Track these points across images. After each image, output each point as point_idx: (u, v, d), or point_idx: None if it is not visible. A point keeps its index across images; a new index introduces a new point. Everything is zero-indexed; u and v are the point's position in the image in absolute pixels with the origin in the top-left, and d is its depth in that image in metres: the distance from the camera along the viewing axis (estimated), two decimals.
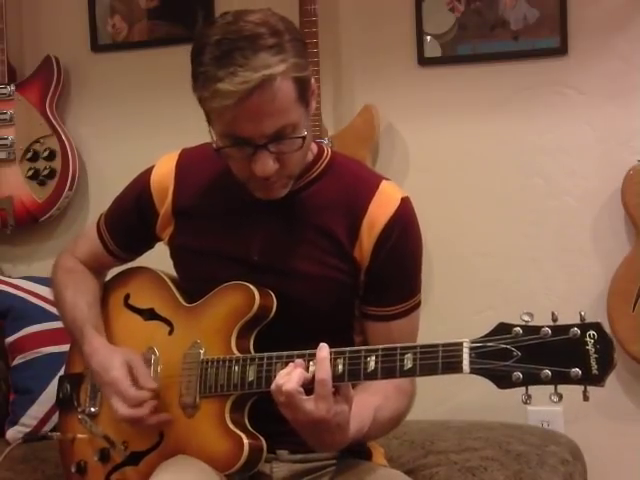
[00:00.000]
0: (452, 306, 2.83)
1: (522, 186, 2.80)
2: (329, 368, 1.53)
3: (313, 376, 1.53)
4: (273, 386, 1.55)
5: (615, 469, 2.73)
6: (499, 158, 2.82)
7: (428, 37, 2.84)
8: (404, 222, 1.78)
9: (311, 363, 1.56)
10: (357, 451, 1.83)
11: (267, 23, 1.62)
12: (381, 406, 1.70)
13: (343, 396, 1.54)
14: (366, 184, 1.80)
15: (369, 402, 1.67)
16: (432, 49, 2.84)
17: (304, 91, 1.66)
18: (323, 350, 1.55)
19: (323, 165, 1.83)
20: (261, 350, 1.72)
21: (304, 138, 1.67)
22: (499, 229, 2.82)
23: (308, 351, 1.59)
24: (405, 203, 1.79)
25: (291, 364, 1.57)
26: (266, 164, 1.64)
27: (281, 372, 1.56)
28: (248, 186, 1.75)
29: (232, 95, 1.56)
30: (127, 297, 1.98)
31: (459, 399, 2.79)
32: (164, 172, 1.92)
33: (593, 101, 2.74)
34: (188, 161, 1.92)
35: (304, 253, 1.78)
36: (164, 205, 1.90)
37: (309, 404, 1.52)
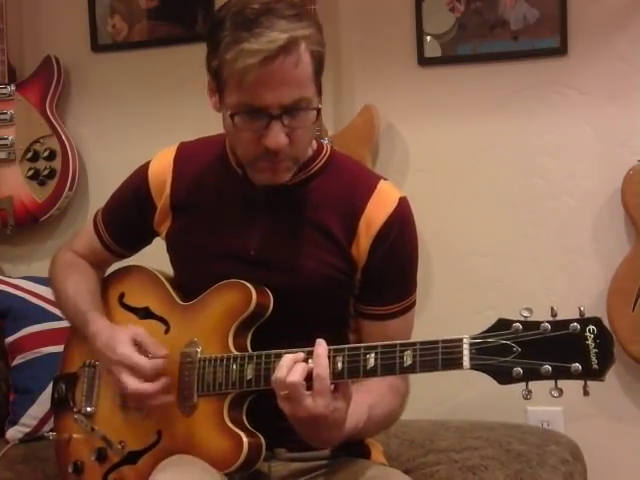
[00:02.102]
0: (452, 306, 2.82)
1: (522, 186, 2.80)
2: (327, 364, 1.53)
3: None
4: (274, 378, 1.54)
5: (615, 469, 2.73)
6: (499, 158, 2.81)
7: (428, 37, 2.84)
8: (402, 222, 1.78)
9: (310, 361, 1.56)
10: (355, 449, 1.83)
11: (283, 0, 1.64)
12: (375, 404, 1.70)
13: (342, 393, 1.54)
14: (364, 183, 1.81)
15: (363, 400, 1.67)
16: (432, 49, 2.84)
17: (320, 69, 1.68)
18: (320, 346, 1.55)
19: (322, 162, 1.83)
20: (257, 347, 1.73)
21: (319, 111, 1.67)
22: (499, 229, 2.82)
23: (307, 349, 1.59)
24: (403, 203, 1.79)
25: (287, 356, 1.56)
26: (279, 136, 1.64)
27: (280, 364, 1.55)
28: (253, 167, 1.73)
29: (258, 53, 1.56)
30: (122, 296, 1.98)
31: (459, 399, 2.78)
32: (162, 166, 1.92)
33: (593, 101, 2.73)
34: (186, 155, 1.92)
35: (301, 250, 1.78)
36: (162, 198, 1.90)
37: (308, 399, 1.52)
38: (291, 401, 1.53)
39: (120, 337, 1.79)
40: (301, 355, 1.56)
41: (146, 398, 1.75)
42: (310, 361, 1.55)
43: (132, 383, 1.74)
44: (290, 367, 1.53)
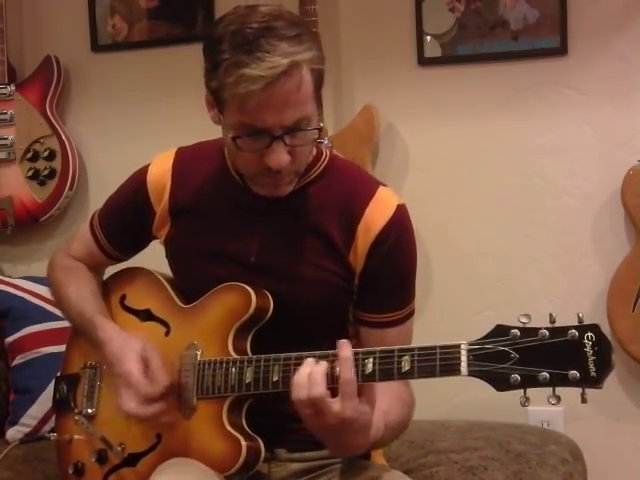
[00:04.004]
0: (452, 306, 2.83)
1: (522, 186, 2.80)
2: (353, 367, 1.51)
3: (333, 376, 1.52)
4: (295, 398, 1.51)
5: (615, 469, 2.73)
6: (499, 158, 2.81)
7: (428, 37, 2.84)
8: (400, 228, 1.77)
9: (322, 363, 1.54)
10: None
11: (283, 16, 1.62)
12: (389, 411, 1.67)
13: (366, 397, 1.53)
14: (363, 189, 1.80)
15: (378, 408, 1.62)
16: (432, 49, 2.84)
17: (320, 85, 1.67)
18: (346, 349, 1.52)
19: (322, 167, 1.82)
20: (257, 350, 1.72)
21: (320, 130, 1.67)
22: (499, 229, 2.82)
23: (306, 353, 1.59)
24: (401, 210, 1.78)
25: (300, 373, 1.53)
26: (281, 156, 1.63)
27: (297, 378, 1.52)
28: (254, 181, 1.74)
29: (260, 80, 1.55)
30: (123, 298, 1.97)
31: (459, 399, 2.79)
32: (161, 171, 1.90)
33: (593, 101, 2.73)
34: (185, 160, 1.91)
35: (300, 256, 1.77)
36: (161, 204, 1.89)
37: (336, 405, 1.50)
38: (318, 413, 1.50)
39: (129, 355, 1.78)
40: (310, 361, 1.54)
41: (140, 419, 1.77)
42: (321, 362, 1.53)
43: (128, 402, 1.75)
44: (307, 380, 1.51)
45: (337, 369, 1.52)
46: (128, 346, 1.81)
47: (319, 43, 1.67)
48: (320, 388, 1.49)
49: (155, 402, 1.74)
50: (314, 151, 1.81)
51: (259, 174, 1.70)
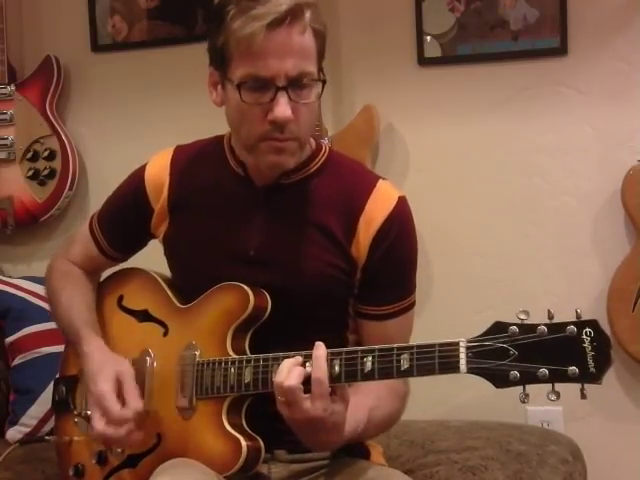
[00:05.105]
0: (452, 306, 2.82)
1: (522, 186, 2.80)
2: (325, 367, 1.53)
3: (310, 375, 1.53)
4: (274, 383, 1.55)
5: (615, 469, 2.72)
6: (499, 158, 2.81)
7: (428, 37, 2.84)
8: (401, 220, 1.78)
9: (307, 363, 1.56)
10: (355, 450, 1.83)
11: None
12: (375, 406, 1.70)
13: (339, 396, 1.54)
14: (363, 182, 1.81)
15: (363, 403, 1.67)
16: (432, 49, 2.84)
17: (322, 49, 1.69)
18: (319, 348, 1.55)
19: (321, 161, 1.83)
20: (256, 347, 1.73)
21: (324, 83, 1.69)
22: (499, 229, 2.82)
23: (304, 352, 1.59)
24: (402, 202, 1.80)
25: (286, 360, 1.56)
26: (285, 108, 1.64)
27: (280, 369, 1.55)
28: (258, 151, 1.72)
29: (265, 17, 1.59)
30: (121, 298, 1.97)
31: (459, 399, 2.78)
32: (159, 168, 1.91)
33: (593, 101, 2.73)
34: (183, 157, 1.91)
35: (300, 249, 1.77)
36: (159, 201, 1.89)
37: (306, 403, 1.52)
38: (289, 405, 1.53)
39: (105, 373, 1.79)
40: (299, 359, 1.56)
41: (109, 441, 1.78)
42: (308, 364, 1.55)
43: (97, 423, 1.75)
44: (288, 371, 1.54)
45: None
46: (105, 365, 1.81)
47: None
48: (292, 381, 1.52)
49: (124, 424, 1.74)
50: (313, 144, 1.83)
51: (263, 137, 1.69)
